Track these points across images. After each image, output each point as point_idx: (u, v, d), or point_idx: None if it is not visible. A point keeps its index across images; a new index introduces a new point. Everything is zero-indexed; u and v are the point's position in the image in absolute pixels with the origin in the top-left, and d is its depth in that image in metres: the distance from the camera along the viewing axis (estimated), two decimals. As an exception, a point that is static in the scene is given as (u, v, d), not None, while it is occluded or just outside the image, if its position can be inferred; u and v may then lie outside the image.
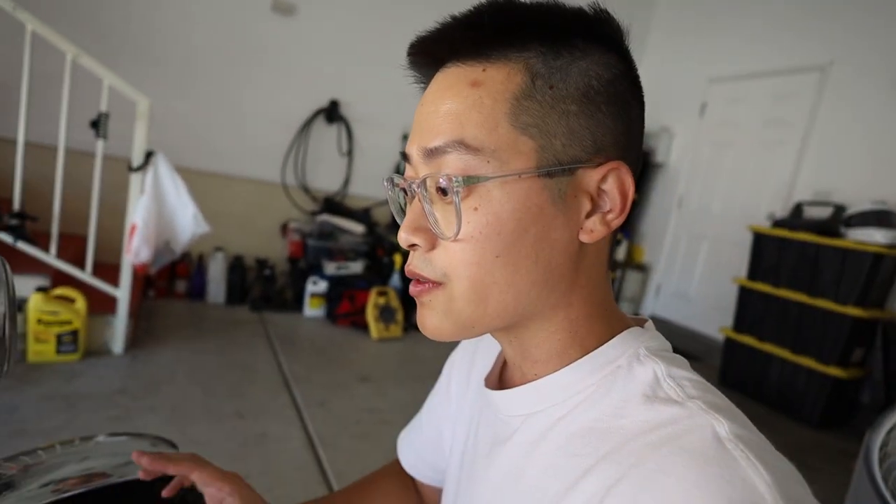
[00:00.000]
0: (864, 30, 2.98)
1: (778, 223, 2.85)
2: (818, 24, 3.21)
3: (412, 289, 0.39)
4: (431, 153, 0.36)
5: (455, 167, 0.35)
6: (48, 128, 2.12)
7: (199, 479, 0.54)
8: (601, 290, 0.39)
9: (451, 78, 0.36)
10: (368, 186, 3.80)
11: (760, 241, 2.89)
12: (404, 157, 0.39)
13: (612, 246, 0.40)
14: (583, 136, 0.35)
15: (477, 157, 0.34)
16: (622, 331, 0.39)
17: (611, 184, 0.36)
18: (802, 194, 3.14)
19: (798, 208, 2.86)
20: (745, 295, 2.96)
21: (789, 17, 3.37)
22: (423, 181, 0.36)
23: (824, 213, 2.74)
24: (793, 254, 2.72)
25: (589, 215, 0.36)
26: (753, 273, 2.92)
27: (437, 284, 0.37)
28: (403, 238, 0.37)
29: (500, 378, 0.47)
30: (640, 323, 0.42)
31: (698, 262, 3.84)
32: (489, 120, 0.34)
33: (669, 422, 0.31)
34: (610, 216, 0.36)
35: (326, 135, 3.60)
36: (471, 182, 0.34)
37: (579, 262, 0.37)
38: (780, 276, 2.78)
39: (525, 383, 0.40)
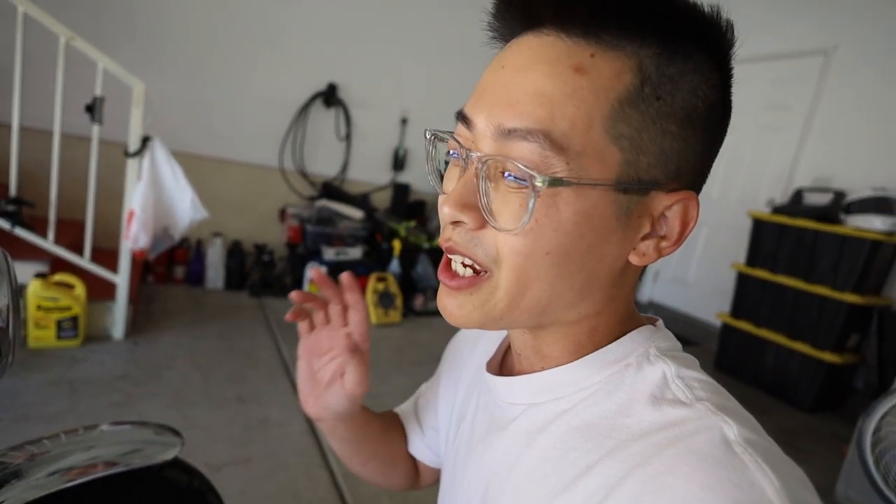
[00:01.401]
0: (870, 14, 2.94)
1: (777, 209, 2.84)
2: (823, 8, 3.16)
3: (446, 279, 0.36)
4: (509, 133, 0.31)
5: (528, 158, 0.31)
6: (43, 112, 2.10)
7: (361, 318, 0.55)
8: (629, 300, 0.39)
9: (551, 51, 0.31)
10: (367, 171, 3.77)
11: (760, 228, 2.90)
12: (462, 117, 0.34)
13: None
14: (670, 160, 0.32)
15: (559, 157, 0.31)
16: (633, 329, 0.39)
17: (676, 211, 0.34)
18: (802, 180, 3.13)
19: (798, 194, 2.86)
20: (742, 281, 2.97)
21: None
22: (487, 161, 0.32)
23: (824, 199, 2.73)
24: (791, 240, 2.73)
25: (644, 238, 0.35)
26: (752, 259, 2.93)
27: (480, 278, 0.35)
28: (449, 214, 0.34)
29: (502, 364, 0.47)
30: (652, 322, 0.41)
31: (697, 248, 3.84)
32: (584, 118, 0.30)
33: (677, 423, 0.31)
34: (664, 244, 0.35)
35: (325, 119, 3.56)
36: (556, 185, 0.31)
37: (621, 279, 0.37)
38: (779, 262, 2.79)
39: (529, 373, 0.40)
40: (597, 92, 0.30)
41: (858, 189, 2.65)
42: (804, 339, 2.65)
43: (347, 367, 0.53)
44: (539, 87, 0.31)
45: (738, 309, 2.99)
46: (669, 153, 0.32)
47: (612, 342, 0.38)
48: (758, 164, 3.47)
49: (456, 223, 0.34)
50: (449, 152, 0.37)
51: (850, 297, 2.46)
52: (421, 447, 0.62)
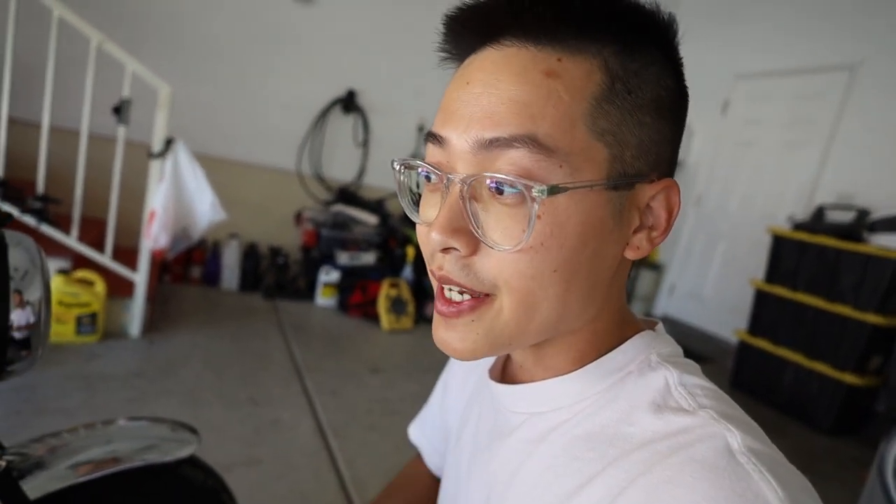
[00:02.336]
0: (897, 29, 2.89)
1: (798, 226, 2.79)
2: (849, 22, 3.12)
3: (444, 308, 0.34)
4: (490, 144, 0.31)
5: (519, 166, 0.30)
6: (71, 112, 2.15)
7: None
8: (621, 299, 0.39)
9: (518, 61, 0.31)
10: (383, 177, 3.80)
11: (779, 244, 2.85)
12: (434, 138, 0.33)
13: None
14: (649, 150, 0.33)
15: (549, 160, 0.30)
16: (633, 334, 0.38)
17: (660, 200, 0.35)
18: (825, 197, 3.08)
19: (820, 211, 2.80)
20: (761, 298, 2.92)
21: (819, 12, 3.28)
22: (471, 180, 0.31)
23: (847, 217, 2.68)
24: (812, 258, 2.67)
25: (636, 231, 0.35)
26: (771, 276, 2.88)
27: (481, 301, 0.33)
28: (438, 241, 0.32)
29: (504, 370, 0.46)
30: (651, 325, 0.41)
31: (714, 263, 3.79)
32: (566, 118, 0.30)
33: (680, 431, 0.30)
34: (654, 234, 0.35)
35: (343, 124, 3.60)
36: (555, 192, 0.30)
37: (616, 276, 0.37)
38: (799, 279, 2.73)
39: (530, 381, 0.40)
40: (572, 92, 0.31)
41: (883, 207, 2.60)
42: (824, 360, 2.59)
43: None
44: (513, 95, 0.30)
45: (756, 326, 2.93)
46: (648, 144, 0.33)
47: (612, 348, 0.37)
48: (779, 180, 3.42)
49: (447, 250, 0.33)
50: (427, 176, 0.35)
51: (873, 318, 2.40)
52: (438, 462, 0.62)
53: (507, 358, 0.47)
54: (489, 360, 0.49)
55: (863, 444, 2.50)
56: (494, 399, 0.44)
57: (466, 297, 0.34)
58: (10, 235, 0.52)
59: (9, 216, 0.52)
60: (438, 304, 0.35)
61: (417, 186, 0.37)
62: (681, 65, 0.36)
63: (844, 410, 2.56)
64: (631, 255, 0.35)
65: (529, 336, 0.35)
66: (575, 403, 0.37)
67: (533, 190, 0.30)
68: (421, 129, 3.81)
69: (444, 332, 0.35)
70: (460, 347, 0.34)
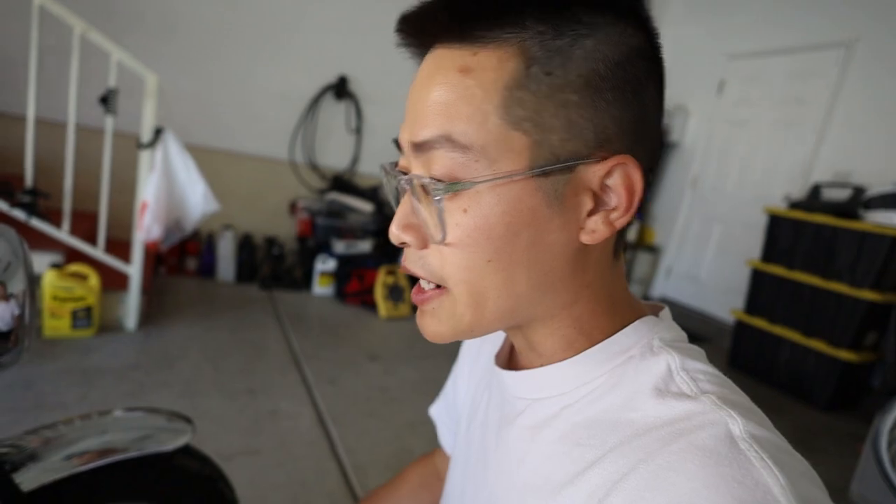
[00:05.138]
0: (894, 6, 2.86)
1: (794, 205, 2.79)
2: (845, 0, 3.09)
3: (415, 296, 0.38)
4: (419, 147, 0.33)
5: (442, 165, 0.32)
6: (56, 103, 2.11)
7: None
8: (608, 283, 0.37)
9: (440, 62, 0.33)
10: (377, 165, 3.74)
11: (776, 223, 2.85)
12: (397, 145, 0.36)
13: (623, 235, 0.38)
14: (584, 129, 0.32)
15: (465, 156, 0.31)
16: (634, 320, 0.38)
17: (616, 179, 0.33)
18: (821, 175, 3.07)
19: (816, 190, 2.80)
20: (757, 277, 2.93)
21: (813, -11, 3.24)
22: (411, 179, 0.34)
23: (843, 194, 2.68)
24: (809, 236, 2.68)
25: (591, 214, 0.33)
26: (767, 255, 2.88)
27: (440, 291, 0.36)
28: (394, 235, 0.36)
29: (510, 357, 0.46)
30: (656, 310, 0.40)
31: (710, 244, 3.79)
32: (478, 113, 0.31)
33: (682, 417, 0.30)
34: (614, 215, 0.33)
35: (335, 112, 3.56)
36: (454, 189, 0.32)
37: (584, 262, 0.35)
38: (795, 258, 2.74)
39: (532, 367, 0.40)
40: (484, 86, 0.31)
41: (878, 184, 2.59)
42: (820, 337, 2.61)
43: None
44: (435, 97, 0.32)
45: (753, 306, 2.95)
46: (580, 123, 0.31)
47: (610, 334, 0.37)
48: (774, 159, 3.41)
49: (403, 244, 0.36)
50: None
51: (869, 295, 2.41)
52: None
53: (513, 345, 0.47)
54: (495, 347, 0.49)
55: (858, 419, 2.53)
56: (500, 385, 0.44)
57: (431, 286, 0.37)
58: (-10, 225, 0.51)
59: None
60: (413, 293, 0.38)
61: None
62: (641, 19, 0.33)
63: (840, 387, 2.58)
64: (587, 239, 0.34)
65: (489, 323, 0.36)
66: (575, 389, 0.37)
67: (433, 188, 0.32)
68: (414, 115, 3.77)
69: (420, 318, 0.38)
70: (430, 332, 0.37)
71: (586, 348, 0.37)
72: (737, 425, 0.29)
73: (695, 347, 0.37)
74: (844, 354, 2.49)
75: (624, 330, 0.37)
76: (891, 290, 2.52)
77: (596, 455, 0.32)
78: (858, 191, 2.61)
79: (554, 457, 0.36)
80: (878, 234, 2.40)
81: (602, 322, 0.37)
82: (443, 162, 0.32)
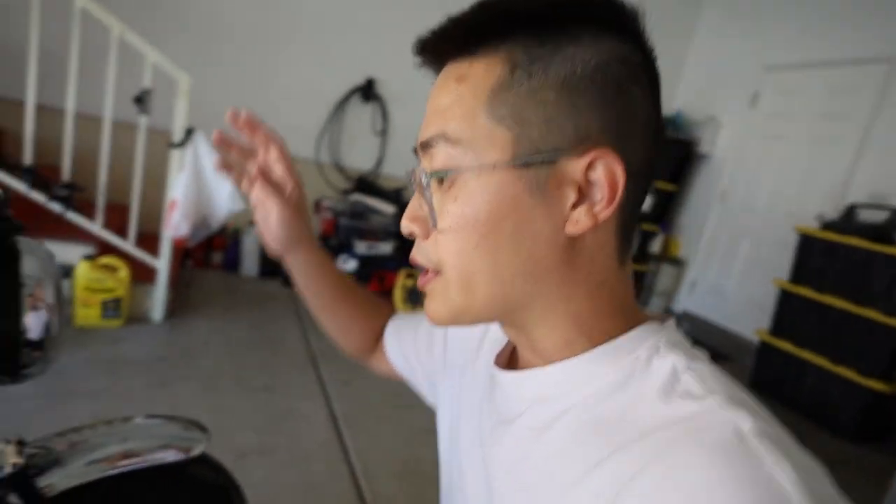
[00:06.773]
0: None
1: (827, 225, 2.70)
2: (889, 11, 2.96)
3: (419, 281, 0.41)
4: (424, 146, 0.38)
5: (440, 160, 0.37)
6: (93, 98, 2.19)
7: (279, 153, 0.61)
8: (609, 285, 0.38)
9: (446, 74, 0.38)
10: (401, 167, 3.79)
11: (807, 243, 2.76)
12: (415, 153, 0.41)
13: (626, 238, 0.38)
14: (563, 125, 0.34)
15: (457, 149, 0.36)
16: (637, 324, 0.38)
17: (599, 173, 0.34)
18: (856, 196, 2.96)
19: (851, 210, 2.70)
20: (785, 298, 2.84)
21: (856, 1, 3.12)
22: (416, 173, 0.39)
23: (879, 217, 2.58)
24: (841, 258, 2.59)
25: (576, 206, 0.35)
26: (797, 276, 2.79)
27: (436, 273, 0.39)
28: (403, 226, 0.40)
29: (511, 358, 0.47)
30: (662, 320, 0.40)
31: (738, 260, 3.69)
32: (468, 113, 0.35)
33: (689, 417, 0.30)
34: (597, 208, 0.35)
35: (361, 113, 3.59)
36: (440, 175, 0.36)
37: (573, 255, 0.36)
38: (826, 280, 2.65)
39: (530, 367, 0.40)
40: (474, 90, 0.35)
41: (919, 208, 2.49)
42: (849, 364, 2.51)
43: (268, 199, 0.59)
44: (437, 104, 0.37)
45: (779, 327, 2.86)
46: (558, 119, 0.34)
47: (613, 336, 0.37)
48: (808, 177, 3.30)
49: (411, 234, 0.40)
50: None
51: (904, 323, 2.32)
52: (398, 356, 0.65)
53: (515, 347, 0.47)
54: (494, 350, 0.49)
55: (888, 453, 2.44)
56: (499, 387, 0.44)
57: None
58: (24, 243, 0.53)
59: (5, 199, 0.53)
60: (418, 280, 0.42)
61: None
62: (628, 34, 0.36)
63: (868, 417, 2.49)
64: (571, 229, 0.35)
65: (480, 308, 0.38)
66: (580, 388, 0.37)
67: (423, 177, 0.37)
68: (440, 118, 3.78)
69: (425, 302, 0.41)
70: (430, 314, 0.40)
71: (587, 349, 0.37)
72: (746, 423, 0.29)
73: (698, 351, 0.37)
74: (875, 384, 2.40)
75: (629, 333, 0.37)
76: (927, 320, 2.41)
77: (602, 455, 0.32)
78: (896, 214, 2.51)
79: (558, 457, 0.36)
80: (916, 261, 2.30)
81: (605, 324, 0.38)
82: (441, 157, 0.36)
